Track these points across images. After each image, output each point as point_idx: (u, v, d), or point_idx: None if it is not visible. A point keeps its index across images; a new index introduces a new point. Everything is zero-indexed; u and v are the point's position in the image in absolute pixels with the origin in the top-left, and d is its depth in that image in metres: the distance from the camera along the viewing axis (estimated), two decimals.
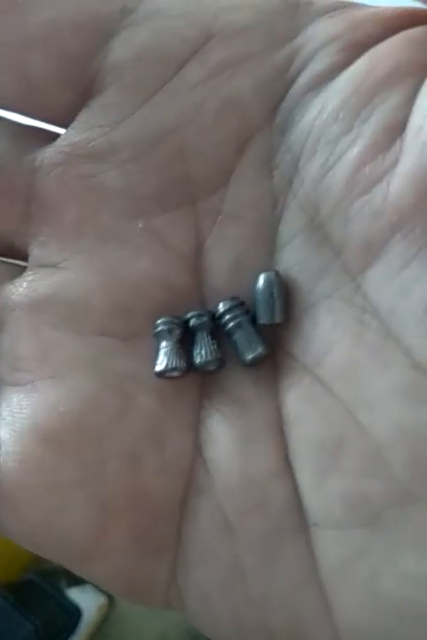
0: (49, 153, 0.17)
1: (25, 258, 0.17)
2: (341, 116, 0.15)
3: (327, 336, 0.15)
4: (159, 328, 0.16)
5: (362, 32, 0.16)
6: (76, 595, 0.51)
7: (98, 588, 0.52)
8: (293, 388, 0.16)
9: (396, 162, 0.15)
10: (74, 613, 0.50)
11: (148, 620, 0.49)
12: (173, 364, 0.16)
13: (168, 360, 0.16)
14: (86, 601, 0.51)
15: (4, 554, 0.50)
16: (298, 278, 0.16)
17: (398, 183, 0.15)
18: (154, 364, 0.16)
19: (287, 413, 0.15)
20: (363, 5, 0.17)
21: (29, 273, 0.17)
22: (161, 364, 0.16)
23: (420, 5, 0.16)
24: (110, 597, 0.51)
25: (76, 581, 0.52)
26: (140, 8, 0.17)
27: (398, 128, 0.15)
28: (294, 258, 0.16)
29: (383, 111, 0.15)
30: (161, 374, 0.16)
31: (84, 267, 0.17)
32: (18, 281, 0.17)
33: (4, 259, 0.18)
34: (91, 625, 0.51)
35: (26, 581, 0.52)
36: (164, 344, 0.16)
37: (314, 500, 0.15)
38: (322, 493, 0.15)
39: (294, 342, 0.16)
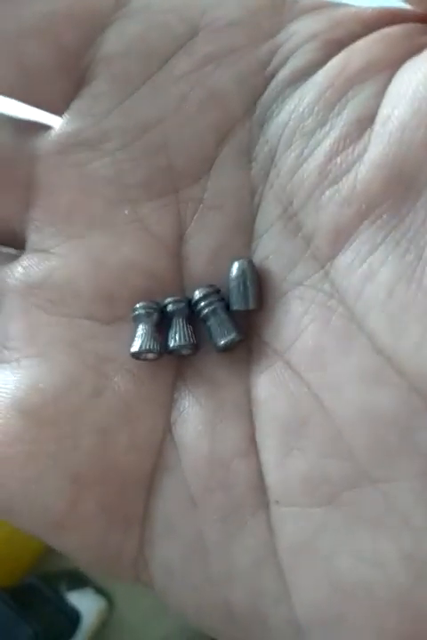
0: (46, 142, 0.18)
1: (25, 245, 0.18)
2: (316, 109, 0.16)
3: (297, 322, 0.16)
4: (137, 312, 0.17)
5: (342, 30, 0.16)
6: (76, 599, 0.51)
7: (98, 592, 0.52)
8: (263, 372, 0.16)
9: (365, 151, 0.15)
10: (73, 617, 0.50)
11: (147, 624, 0.49)
12: (148, 346, 0.16)
13: (143, 342, 0.16)
14: (86, 605, 0.51)
15: (4, 557, 0.50)
16: (273, 267, 0.16)
17: (365, 171, 0.15)
18: (130, 346, 0.17)
19: (257, 396, 0.16)
20: (346, 5, 0.17)
21: (25, 257, 0.18)
22: (136, 346, 0.16)
23: (402, 5, 0.16)
24: (110, 602, 0.51)
25: (76, 585, 0.52)
26: (133, 2, 0.17)
27: (368, 119, 0.15)
28: (270, 247, 0.16)
29: (356, 104, 0.15)
30: (136, 355, 0.16)
31: (74, 252, 0.17)
32: (14, 265, 0.18)
33: (3, 246, 0.19)
34: (90, 629, 0.51)
35: (26, 585, 0.51)
36: (141, 327, 0.17)
37: (276, 479, 0.15)
38: (284, 472, 0.15)
39: (267, 328, 0.16)
